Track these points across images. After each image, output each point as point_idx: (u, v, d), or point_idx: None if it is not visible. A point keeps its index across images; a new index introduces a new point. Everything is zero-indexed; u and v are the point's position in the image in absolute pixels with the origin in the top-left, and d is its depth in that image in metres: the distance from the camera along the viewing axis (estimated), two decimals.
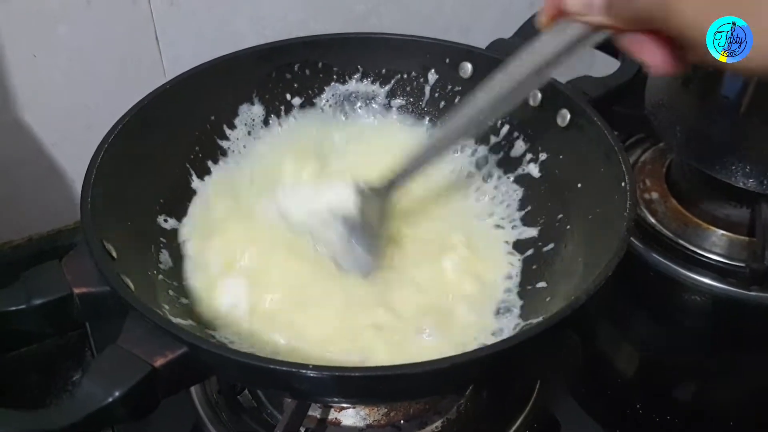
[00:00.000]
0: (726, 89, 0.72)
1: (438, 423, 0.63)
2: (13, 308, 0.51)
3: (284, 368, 0.45)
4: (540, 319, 0.57)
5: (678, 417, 0.68)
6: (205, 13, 0.74)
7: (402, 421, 0.63)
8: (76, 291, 0.51)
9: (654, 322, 0.78)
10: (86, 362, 0.74)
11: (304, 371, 0.44)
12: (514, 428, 0.64)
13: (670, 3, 0.40)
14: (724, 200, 0.79)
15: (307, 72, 0.73)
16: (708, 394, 0.73)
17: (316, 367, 0.44)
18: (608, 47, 0.70)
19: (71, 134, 0.75)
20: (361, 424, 0.63)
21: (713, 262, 0.78)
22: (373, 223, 0.62)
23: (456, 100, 0.73)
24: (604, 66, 0.80)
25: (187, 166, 0.68)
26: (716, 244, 0.80)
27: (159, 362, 0.46)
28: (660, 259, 0.79)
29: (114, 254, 0.53)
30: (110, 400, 0.45)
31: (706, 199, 0.80)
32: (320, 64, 0.73)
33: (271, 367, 0.45)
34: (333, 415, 0.63)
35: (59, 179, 0.78)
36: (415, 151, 0.61)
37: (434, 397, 0.63)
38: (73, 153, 0.77)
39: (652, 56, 0.45)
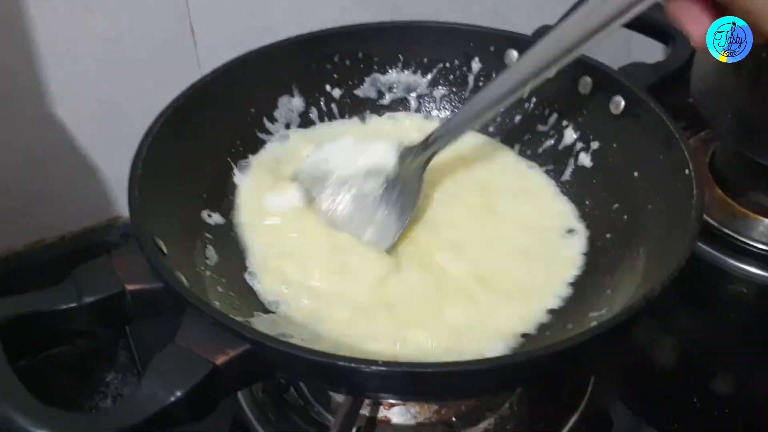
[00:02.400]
0: None
1: (491, 420, 0.62)
2: (64, 306, 0.49)
3: (353, 365, 0.43)
4: (603, 311, 0.55)
5: (732, 410, 0.67)
6: (241, 2, 0.73)
7: (453, 419, 0.62)
8: (129, 288, 0.50)
9: (701, 314, 0.77)
10: (119, 363, 0.72)
11: (374, 367, 0.43)
12: (569, 426, 0.62)
13: None
14: None
15: (347, 62, 0.71)
16: (761, 386, 0.71)
17: (386, 363, 0.43)
18: (658, 32, 0.69)
19: (105, 128, 0.74)
20: (411, 422, 0.62)
21: (762, 252, 0.77)
22: (408, 190, 0.61)
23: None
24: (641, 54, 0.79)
25: (228, 159, 0.66)
26: (764, 233, 0.78)
27: (221, 360, 0.44)
28: (707, 249, 0.77)
29: (164, 250, 0.52)
30: (172, 400, 0.43)
31: (754, 187, 0.79)
32: (360, 54, 0.71)
33: (340, 363, 0.43)
34: (383, 413, 0.62)
35: (92, 175, 0.77)
36: (455, 115, 0.60)
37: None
38: (106, 147, 0.75)
39: (698, 27, 0.44)
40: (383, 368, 0.43)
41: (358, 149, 0.65)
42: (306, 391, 0.64)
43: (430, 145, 0.62)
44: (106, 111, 0.74)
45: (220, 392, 0.45)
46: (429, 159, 0.63)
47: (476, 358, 0.43)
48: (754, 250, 0.78)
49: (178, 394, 0.43)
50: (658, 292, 0.47)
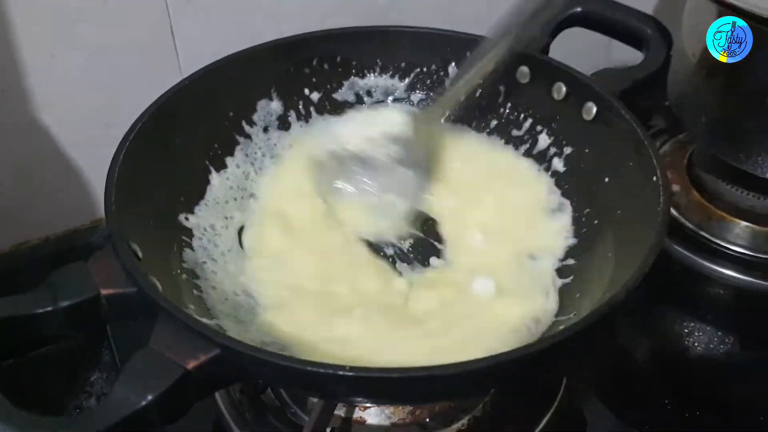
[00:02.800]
0: (753, 79, 0.70)
1: (464, 420, 0.63)
2: (40, 311, 0.49)
3: (322, 370, 0.44)
4: (571, 315, 0.56)
5: (705, 412, 0.68)
6: (222, 8, 0.73)
7: (427, 420, 0.62)
8: (104, 292, 0.50)
9: (678, 316, 0.78)
10: (103, 363, 0.73)
11: (341, 373, 0.43)
12: (541, 425, 0.63)
13: None
14: (748, 192, 0.79)
15: (326, 66, 0.72)
16: (735, 388, 0.72)
17: (353, 369, 0.43)
18: (632, 38, 0.70)
19: (89, 133, 0.74)
20: (386, 422, 0.62)
21: (738, 255, 0.78)
22: (424, 147, 0.64)
23: (477, 94, 0.72)
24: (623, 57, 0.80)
25: (207, 163, 0.67)
26: (740, 236, 0.80)
27: (192, 364, 0.45)
28: (683, 252, 0.78)
29: (139, 254, 0.53)
30: (143, 404, 0.44)
31: (730, 190, 0.80)
32: (339, 59, 0.72)
33: (309, 368, 0.44)
34: (357, 414, 0.62)
35: (76, 179, 0.77)
36: (456, 76, 0.63)
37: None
38: (90, 152, 0.75)
39: None
40: (350, 374, 0.43)
41: (368, 123, 0.68)
42: (283, 392, 0.64)
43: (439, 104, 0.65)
44: (89, 116, 0.74)
45: (191, 396, 0.46)
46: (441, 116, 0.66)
47: (440, 364, 0.43)
48: (731, 252, 0.79)
49: (150, 398, 0.44)
50: (623, 297, 0.48)
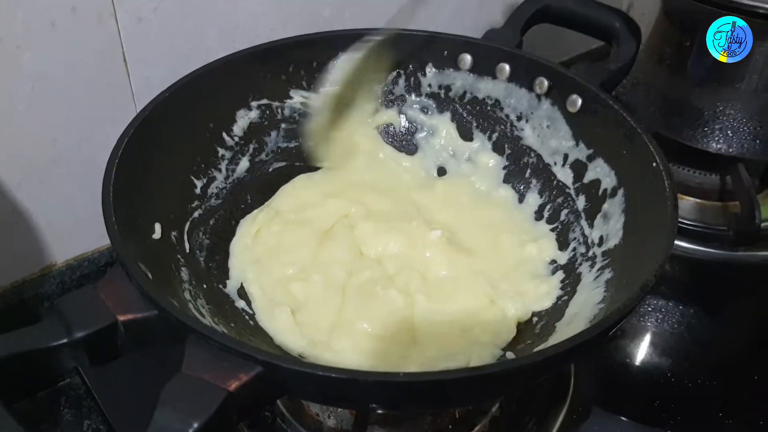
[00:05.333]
0: (697, 62, 0.74)
1: (485, 422, 0.63)
2: (54, 344, 0.46)
3: (373, 379, 0.43)
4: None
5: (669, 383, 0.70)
6: (175, 27, 0.68)
7: (450, 426, 0.62)
8: (121, 318, 0.47)
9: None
10: (65, 422, 0.63)
11: (395, 380, 0.43)
12: (561, 418, 0.64)
13: None
14: (695, 170, 0.85)
15: (302, 72, 0.71)
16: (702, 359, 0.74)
17: (407, 375, 0.43)
18: (601, 33, 0.72)
19: (36, 172, 0.66)
20: None
21: (694, 228, 0.83)
22: None
23: (450, 92, 0.73)
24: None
25: (191, 178, 0.64)
26: (692, 211, 0.84)
27: (233, 386, 0.43)
28: None
29: (149, 275, 0.50)
30: None
31: (678, 171, 0.85)
32: (315, 64, 0.71)
33: (360, 378, 0.43)
34: (378, 431, 0.62)
35: (23, 223, 0.68)
36: None
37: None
38: (38, 192, 0.67)
39: None
40: (405, 379, 0.43)
41: None
42: (295, 422, 0.62)
43: None
44: (37, 151, 0.66)
45: (234, 419, 0.44)
46: None
47: (482, 365, 0.43)
48: (686, 227, 0.84)
49: (195, 425, 0.41)
50: (653, 284, 0.48)
